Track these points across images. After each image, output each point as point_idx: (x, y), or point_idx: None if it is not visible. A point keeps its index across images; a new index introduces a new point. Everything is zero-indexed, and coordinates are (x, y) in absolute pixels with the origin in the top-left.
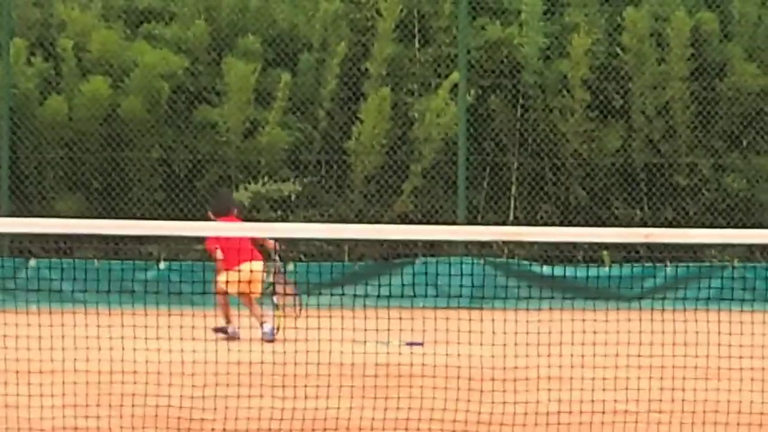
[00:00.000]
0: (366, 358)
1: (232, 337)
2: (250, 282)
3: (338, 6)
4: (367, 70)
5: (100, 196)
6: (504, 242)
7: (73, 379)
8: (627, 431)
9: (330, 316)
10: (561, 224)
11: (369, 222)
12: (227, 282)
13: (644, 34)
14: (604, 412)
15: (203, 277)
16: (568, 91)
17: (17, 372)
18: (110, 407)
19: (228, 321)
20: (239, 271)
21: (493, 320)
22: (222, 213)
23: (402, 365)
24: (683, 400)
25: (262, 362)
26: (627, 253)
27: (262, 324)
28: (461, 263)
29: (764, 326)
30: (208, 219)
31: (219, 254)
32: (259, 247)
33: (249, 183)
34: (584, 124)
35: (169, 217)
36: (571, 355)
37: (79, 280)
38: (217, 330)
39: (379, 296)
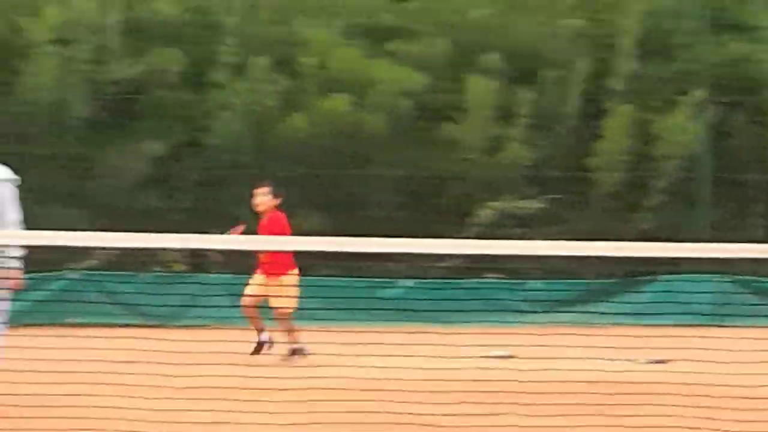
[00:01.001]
0: (609, 376)
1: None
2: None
3: (579, 23)
4: (608, 86)
5: (342, 214)
6: (748, 259)
7: (318, 396)
8: None
9: (572, 334)
10: None
11: (610, 239)
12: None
13: None
14: None
15: (446, 294)
16: None
17: (260, 389)
18: (354, 425)
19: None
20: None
21: (737, 338)
22: None
23: (645, 383)
24: None
25: (505, 380)
26: None
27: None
28: (704, 281)
29: None
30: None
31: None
32: None
33: (491, 200)
34: None
35: (411, 235)
36: None
37: (322, 298)
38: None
39: (621, 314)
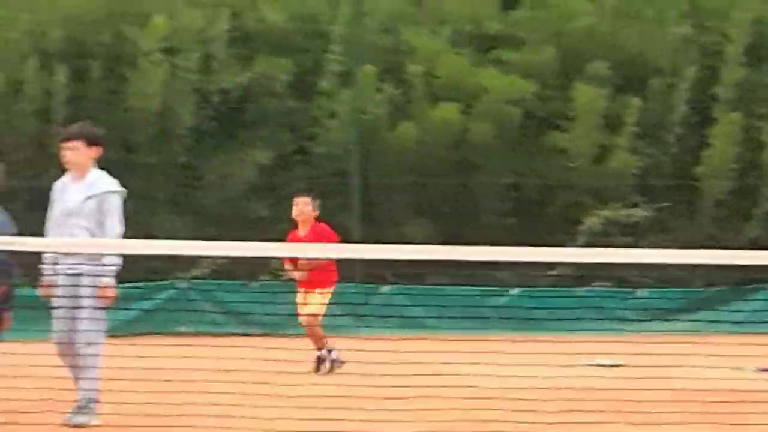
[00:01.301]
0: (718, 384)
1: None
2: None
3: (687, 31)
4: (716, 94)
5: (450, 222)
6: None
7: (425, 405)
8: None
9: (682, 342)
10: None
11: (719, 247)
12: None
13: None
14: None
15: (554, 303)
16: None
17: (371, 398)
18: None
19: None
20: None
21: None
22: None
23: (755, 392)
24: None
25: (612, 389)
26: None
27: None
28: None
29: None
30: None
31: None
32: None
33: (599, 208)
34: None
35: (519, 243)
36: None
37: (431, 306)
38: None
39: (730, 322)
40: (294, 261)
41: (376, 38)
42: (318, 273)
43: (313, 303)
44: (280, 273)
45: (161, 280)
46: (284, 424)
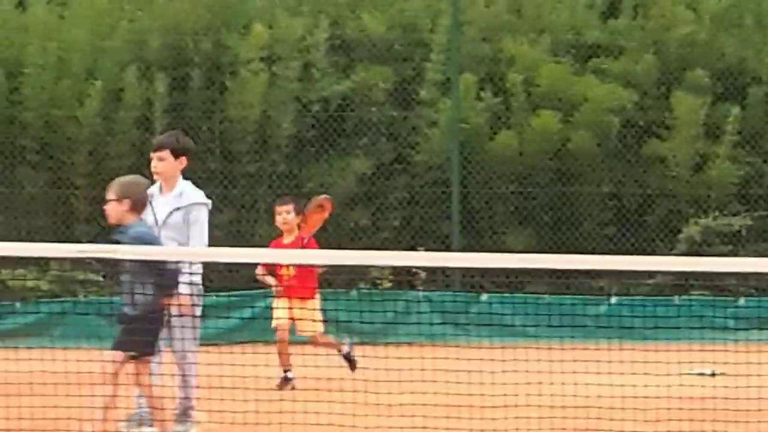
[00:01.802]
0: None
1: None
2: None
3: None
4: None
5: (550, 231)
6: None
7: (525, 413)
8: None
9: None
10: None
11: None
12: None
13: None
14: None
15: (654, 311)
16: None
17: (470, 407)
18: None
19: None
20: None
21: None
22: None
23: None
24: None
25: (712, 398)
26: None
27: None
28: None
29: None
30: None
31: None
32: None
33: (699, 217)
34: None
35: (619, 252)
36: None
37: (530, 315)
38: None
39: None
40: (267, 266)
41: (476, 47)
42: (304, 280)
43: (313, 320)
44: (379, 282)
45: (261, 288)
46: None
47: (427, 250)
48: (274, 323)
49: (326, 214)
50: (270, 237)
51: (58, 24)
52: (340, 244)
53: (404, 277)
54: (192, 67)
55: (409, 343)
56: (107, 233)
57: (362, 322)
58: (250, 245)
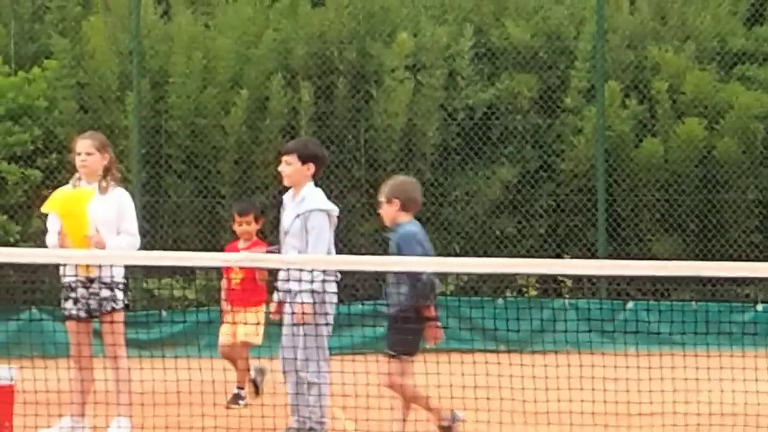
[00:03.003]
0: None
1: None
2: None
3: None
4: None
5: (696, 238)
6: None
7: (671, 421)
8: None
9: None
10: None
11: None
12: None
13: None
14: None
15: None
16: None
17: (616, 414)
18: None
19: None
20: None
21: None
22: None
23: None
24: None
25: None
26: None
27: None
28: None
29: None
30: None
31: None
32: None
33: None
34: None
35: (765, 259)
36: None
37: (676, 323)
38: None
39: None
40: (227, 271)
41: (621, 54)
42: (249, 290)
43: (249, 329)
44: (525, 290)
45: None
46: None
47: (573, 257)
48: (220, 341)
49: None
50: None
51: (203, 33)
52: (486, 251)
53: (550, 285)
54: (337, 76)
55: (556, 351)
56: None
57: (508, 330)
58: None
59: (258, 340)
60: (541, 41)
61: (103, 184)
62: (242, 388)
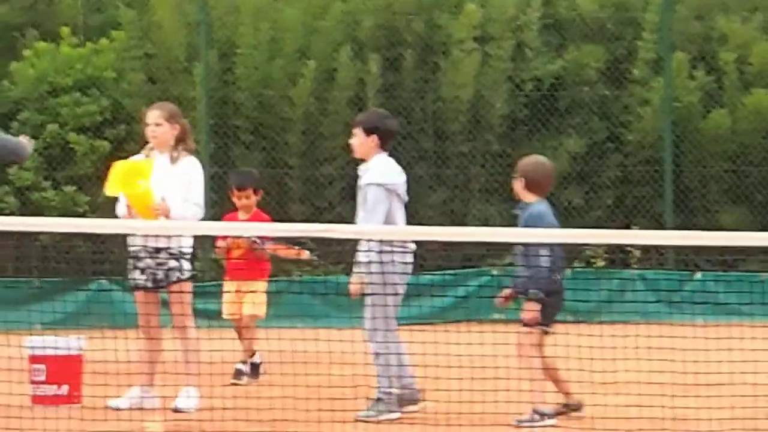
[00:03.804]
0: None
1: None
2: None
3: None
4: None
5: (764, 209)
6: None
7: (740, 392)
8: None
9: None
10: None
11: None
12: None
13: None
14: None
15: None
16: None
17: (685, 384)
18: None
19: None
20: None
21: None
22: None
23: None
24: None
25: None
26: None
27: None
28: None
29: None
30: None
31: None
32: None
33: None
34: None
35: None
36: None
37: (744, 293)
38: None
39: None
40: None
41: (688, 25)
42: (253, 261)
43: (256, 301)
44: (593, 261)
45: (474, 267)
46: (600, 411)
47: (640, 228)
48: (225, 314)
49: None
50: (484, 216)
51: (270, 4)
52: None
53: (618, 255)
54: (405, 47)
55: (624, 322)
56: (320, 212)
57: (577, 301)
58: (463, 224)
59: (263, 311)
60: (609, 12)
61: (174, 153)
62: (245, 363)
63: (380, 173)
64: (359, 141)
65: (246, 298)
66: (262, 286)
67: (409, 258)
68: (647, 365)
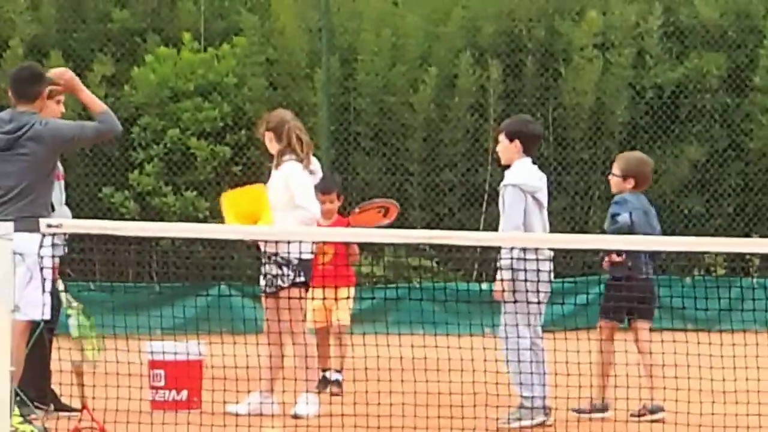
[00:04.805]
0: None
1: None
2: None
3: None
4: None
5: None
6: None
7: None
8: None
9: None
10: None
11: None
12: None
13: None
14: None
15: None
16: None
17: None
18: None
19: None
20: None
21: None
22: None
23: None
24: None
25: None
26: None
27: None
28: None
29: None
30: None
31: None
32: None
33: None
34: None
35: None
36: None
37: None
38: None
39: None
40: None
41: None
42: (340, 267)
43: (344, 309)
44: (713, 269)
45: (594, 274)
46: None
47: (761, 236)
48: (309, 322)
49: (383, 219)
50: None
51: (392, 10)
52: (674, 230)
53: (738, 263)
54: (526, 54)
55: (744, 330)
56: (440, 219)
57: (696, 309)
58: (584, 231)
59: (348, 320)
60: (730, 20)
61: (275, 161)
62: (339, 371)
63: (516, 175)
64: (503, 147)
65: (337, 305)
66: (350, 293)
67: (548, 265)
68: (767, 374)
